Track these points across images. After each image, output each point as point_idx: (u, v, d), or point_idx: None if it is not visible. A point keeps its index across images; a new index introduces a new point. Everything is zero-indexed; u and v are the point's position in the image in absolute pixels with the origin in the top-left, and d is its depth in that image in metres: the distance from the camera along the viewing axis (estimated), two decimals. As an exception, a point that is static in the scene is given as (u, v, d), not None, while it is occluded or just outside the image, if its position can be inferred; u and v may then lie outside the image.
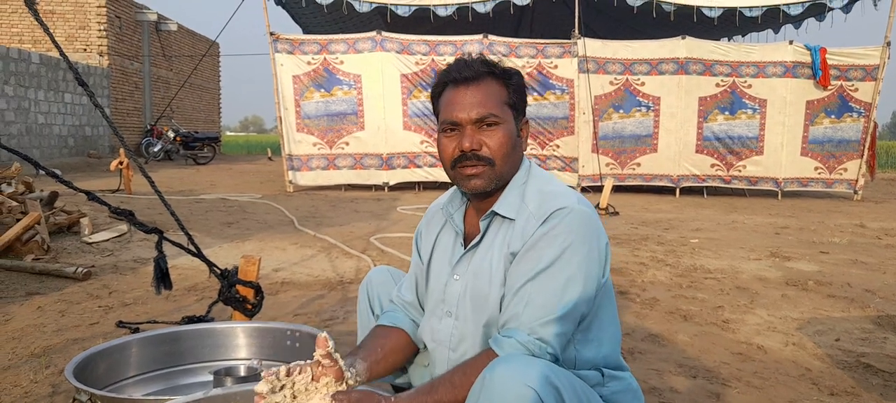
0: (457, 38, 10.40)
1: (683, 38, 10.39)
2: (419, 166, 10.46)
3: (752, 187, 10.84)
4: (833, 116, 10.58)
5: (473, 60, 1.42)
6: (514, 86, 1.42)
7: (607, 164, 10.66)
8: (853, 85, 10.46)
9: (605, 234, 1.39)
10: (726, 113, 10.62)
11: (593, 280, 1.32)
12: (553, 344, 1.25)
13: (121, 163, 8.74)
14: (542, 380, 1.10)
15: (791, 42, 10.50)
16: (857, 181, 10.69)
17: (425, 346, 1.53)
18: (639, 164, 10.80)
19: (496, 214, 1.41)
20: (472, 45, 10.26)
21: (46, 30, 2.33)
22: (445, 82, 1.43)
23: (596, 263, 1.33)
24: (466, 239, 1.48)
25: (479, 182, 1.38)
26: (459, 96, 1.39)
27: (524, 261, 1.32)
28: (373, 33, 10.20)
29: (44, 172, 2.23)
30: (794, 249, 5.59)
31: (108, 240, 4.94)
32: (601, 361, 1.38)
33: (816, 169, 10.74)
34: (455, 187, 1.53)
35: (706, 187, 10.94)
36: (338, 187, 10.38)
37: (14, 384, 2.30)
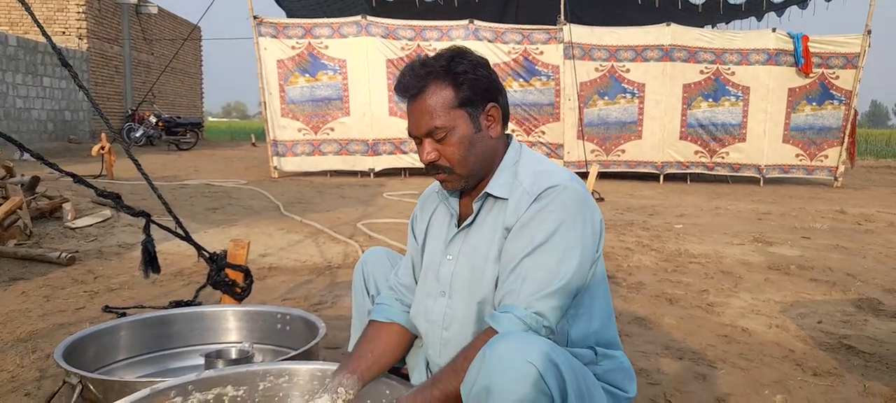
0: (442, 23, 10.35)
1: (668, 25, 10.43)
2: (405, 152, 10.43)
3: (735, 174, 10.95)
4: (814, 104, 10.70)
5: (415, 69, 1.38)
6: (463, 82, 1.36)
7: (592, 151, 10.71)
8: (834, 73, 10.58)
9: (598, 211, 1.40)
10: (710, 100, 10.70)
11: (588, 255, 1.34)
12: (549, 318, 1.27)
13: (102, 148, 8.62)
14: (542, 357, 1.11)
15: (774, 30, 10.59)
16: (837, 168, 10.85)
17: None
18: (623, 151, 10.86)
19: (489, 195, 1.42)
20: (458, 30, 10.22)
21: (28, 9, 2.28)
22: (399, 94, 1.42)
23: (590, 239, 1.35)
24: (460, 220, 1.49)
25: (450, 185, 1.44)
26: (410, 111, 1.41)
27: (519, 238, 1.33)
28: (358, 18, 10.13)
29: (28, 155, 2.20)
30: (776, 234, 5.67)
31: (91, 225, 4.88)
32: (592, 337, 1.39)
33: (798, 155, 10.87)
34: None
35: (690, 174, 11.04)
36: (323, 173, 10.33)
37: (0, 368, 2.28)
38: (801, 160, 10.89)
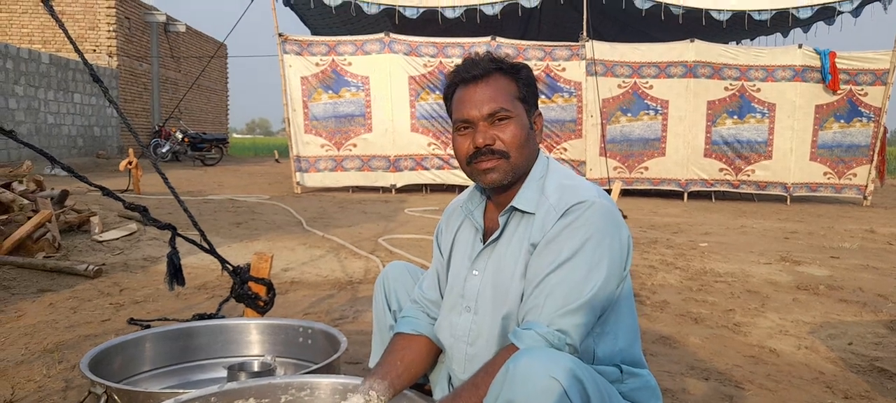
0: (465, 39, 10.41)
1: (692, 42, 10.37)
2: (426, 168, 10.46)
3: (761, 192, 10.79)
4: (842, 121, 10.53)
5: (481, 58, 1.44)
6: (523, 80, 1.44)
7: (615, 168, 10.64)
8: (863, 89, 10.41)
9: (626, 227, 1.38)
10: (735, 117, 10.59)
11: (615, 272, 1.32)
12: (573, 336, 1.25)
13: (130, 163, 8.78)
14: (566, 373, 1.09)
15: (800, 46, 10.47)
16: (866, 186, 10.63)
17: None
18: (647, 168, 10.77)
19: (515, 209, 1.41)
20: (480, 47, 10.25)
21: (61, 25, 2.34)
22: (456, 82, 1.45)
23: (618, 255, 1.33)
24: (486, 235, 1.48)
25: (496, 175, 1.40)
26: (469, 94, 1.41)
27: (545, 254, 1.31)
28: (381, 35, 10.22)
29: (58, 170, 2.24)
30: (804, 254, 5.56)
31: (118, 239, 4.96)
32: (618, 356, 1.37)
33: (825, 174, 10.69)
34: (473, 186, 1.53)
35: (714, 192, 10.90)
36: (345, 189, 10.39)
37: (28, 378, 2.31)
38: (828, 178, 10.70)
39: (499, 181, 1.40)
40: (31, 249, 4.28)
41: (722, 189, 10.84)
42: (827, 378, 2.53)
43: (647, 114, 10.63)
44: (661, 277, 4.43)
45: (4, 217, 4.44)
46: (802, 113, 10.46)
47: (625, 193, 9.88)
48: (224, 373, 2.02)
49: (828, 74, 10.25)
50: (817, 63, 10.32)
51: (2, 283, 3.72)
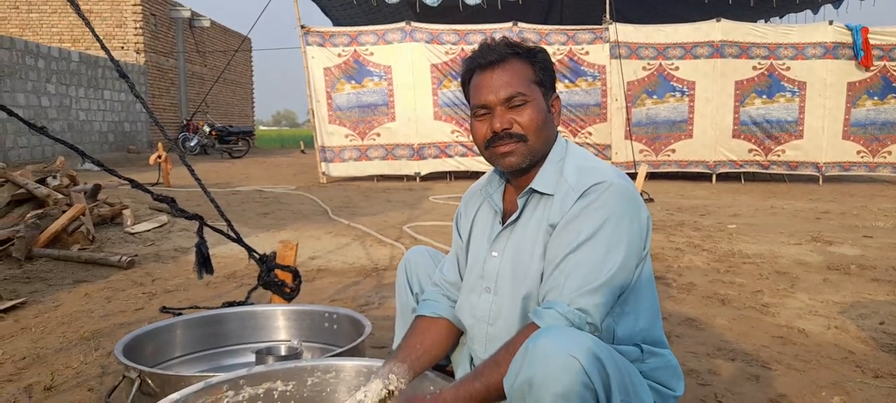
0: (486, 26, 10.36)
1: (719, 21, 10.17)
2: (450, 156, 10.47)
3: (792, 172, 10.58)
4: (876, 98, 10.25)
5: (497, 43, 1.45)
6: (540, 64, 1.44)
7: (641, 151, 10.52)
8: (897, 65, 10.11)
9: (645, 208, 1.38)
10: (764, 96, 10.38)
11: (634, 252, 1.32)
12: (593, 315, 1.25)
13: (159, 157, 8.95)
14: (585, 351, 1.10)
15: (831, 22, 10.20)
16: (901, 164, 10.36)
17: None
18: (673, 150, 10.63)
19: (534, 191, 1.42)
20: (502, 33, 10.20)
21: (88, 24, 2.39)
22: (473, 68, 1.46)
23: (637, 236, 1.33)
24: (505, 217, 1.49)
25: (514, 158, 1.40)
26: (487, 79, 1.41)
27: (564, 234, 1.32)
28: (402, 24, 10.23)
29: (89, 164, 2.31)
30: (835, 234, 5.45)
31: (149, 231, 5.07)
32: (639, 335, 1.37)
33: (859, 152, 10.43)
34: (492, 170, 1.55)
35: (743, 173, 10.72)
36: (370, 178, 10.46)
37: (66, 365, 2.40)
38: (862, 157, 10.44)
39: (517, 164, 1.41)
40: (67, 242, 4.40)
41: (751, 170, 10.65)
42: (857, 358, 2.50)
43: (674, 95, 10.47)
44: (687, 259, 4.39)
45: (40, 211, 4.58)
46: (834, 91, 10.21)
47: (651, 176, 9.78)
48: (252, 358, 2.07)
49: (860, 50, 9.97)
50: (849, 39, 10.05)
51: (39, 275, 3.85)
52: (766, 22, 14.02)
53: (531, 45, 1.46)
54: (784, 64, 10.25)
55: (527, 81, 1.41)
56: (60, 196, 4.87)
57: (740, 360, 2.47)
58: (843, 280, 3.83)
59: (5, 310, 3.10)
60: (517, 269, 1.41)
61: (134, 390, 1.70)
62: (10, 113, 2.01)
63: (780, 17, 14.59)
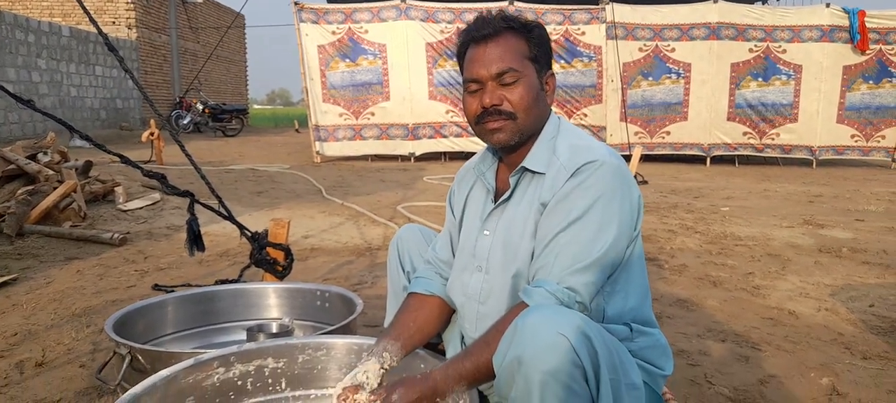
0: (482, 4, 10.26)
1: (716, 2, 10.13)
2: (445, 136, 10.44)
3: (786, 155, 10.61)
4: (871, 82, 10.26)
5: (493, 17, 1.43)
6: (535, 40, 1.41)
7: (636, 133, 10.52)
8: (893, 49, 10.12)
9: (637, 188, 1.38)
10: (759, 79, 10.37)
11: (625, 231, 1.32)
12: (582, 294, 1.25)
13: (152, 134, 8.89)
14: (574, 329, 1.10)
15: (828, 4, 10.17)
16: (895, 149, 10.39)
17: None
18: (668, 133, 10.63)
19: (526, 169, 1.41)
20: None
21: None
22: (467, 41, 1.44)
23: (628, 215, 1.33)
24: (497, 196, 1.48)
25: (502, 135, 1.39)
26: (479, 53, 1.40)
27: (555, 213, 1.31)
28: (397, 1, 10.14)
29: (80, 141, 2.29)
30: (828, 217, 5.48)
31: (141, 208, 5.05)
32: (628, 315, 1.37)
33: (853, 136, 10.46)
34: (486, 148, 1.53)
35: (738, 156, 10.74)
36: (364, 157, 10.43)
37: (57, 342, 2.39)
38: (856, 141, 10.47)
39: (505, 141, 1.40)
40: (58, 219, 4.38)
41: (745, 153, 10.68)
42: (846, 340, 2.52)
43: (669, 77, 10.45)
44: (680, 241, 4.41)
45: (31, 187, 4.54)
46: (830, 74, 10.21)
47: (646, 158, 9.79)
48: (244, 335, 2.07)
49: (857, 34, 9.97)
50: (846, 22, 10.04)
51: (31, 252, 3.83)
52: (763, 3, 13.97)
53: (527, 19, 1.44)
54: (780, 46, 10.23)
55: (520, 57, 1.39)
56: (51, 172, 4.83)
57: (730, 341, 2.49)
58: (835, 263, 3.85)
59: (-4, 286, 3.08)
60: (508, 248, 1.40)
61: (124, 366, 1.70)
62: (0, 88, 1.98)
63: (778, 0, 14.55)
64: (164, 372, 1.42)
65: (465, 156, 10.46)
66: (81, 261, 3.68)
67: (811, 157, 10.49)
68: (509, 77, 1.37)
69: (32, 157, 5.10)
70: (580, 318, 1.14)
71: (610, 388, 1.13)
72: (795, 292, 3.21)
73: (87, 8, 2.46)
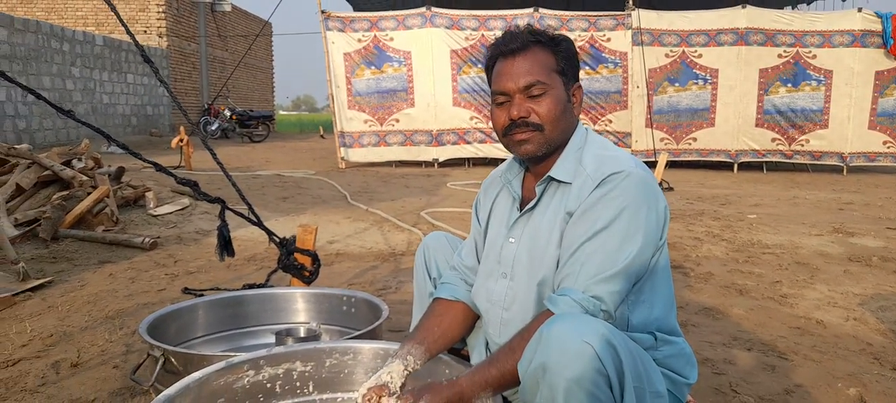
0: (507, 11, 10.30)
1: (744, 7, 10.01)
2: (469, 142, 10.47)
3: (816, 162, 10.42)
4: (905, 87, 10.04)
5: (520, 31, 1.45)
6: (563, 53, 1.44)
7: (662, 139, 10.43)
8: (928, 53, 9.89)
9: (663, 198, 1.38)
10: (789, 85, 10.21)
11: (650, 241, 1.33)
12: (607, 303, 1.26)
13: (181, 140, 9.06)
14: (599, 337, 1.11)
15: (860, 9, 9.99)
16: (929, 155, 10.16)
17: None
18: (695, 139, 10.52)
19: (552, 179, 1.43)
20: (523, 19, 10.14)
21: (113, 8, 2.44)
22: (495, 54, 1.47)
23: (654, 225, 1.33)
24: (523, 204, 1.50)
25: (530, 147, 1.41)
26: (508, 67, 1.42)
27: (581, 223, 1.33)
28: (422, 9, 10.20)
29: (113, 147, 2.36)
30: (858, 225, 5.38)
31: (171, 213, 5.15)
32: (653, 324, 1.38)
33: (885, 143, 10.24)
34: (512, 157, 1.56)
35: (766, 162, 10.59)
36: (388, 163, 10.50)
37: (91, 343, 2.46)
38: (888, 147, 10.25)
39: (532, 152, 1.42)
40: (92, 223, 4.50)
41: (774, 159, 10.52)
42: (875, 350, 2.48)
43: (696, 83, 10.35)
44: (706, 249, 4.37)
45: (66, 193, 4.67)
46: (861, 80, 10.02)
47: (672, 165, 9.70)
48: (272, 339, 2.11)
49: (889, 39, 9.76)
50: (878, 27, 9.84)
51: (65, 255, 3.94)
52: (793, 8, 13.76)
53: (555, 33, 1.47)
54: (810, 52, 10.08)
55: (548, 70, 1.41)
56: (85, 178, 4.96)
57: (757, 350, 2.47)
58: (864, 271, 3.79)
59: (33, 289, 3.18)
60: (533, 255, 1.42)
61: (158, 367, 1.75)
62: (39, 96, 2.06)
63: (808, 4, 14.32)
64: (196, 374, 1.46)
65: (489, 161, 10.48)
66: (114, 265, 3.77)
67: (842, 164, 10.29)
68: (537, 89, 1.39)
69: (67, 163, 5.24)
70: (605, 327, 1.15)
71: (634, 396, 1.14)
72: (824, 301, 3.16)
73: (122, 18, 2.53)
